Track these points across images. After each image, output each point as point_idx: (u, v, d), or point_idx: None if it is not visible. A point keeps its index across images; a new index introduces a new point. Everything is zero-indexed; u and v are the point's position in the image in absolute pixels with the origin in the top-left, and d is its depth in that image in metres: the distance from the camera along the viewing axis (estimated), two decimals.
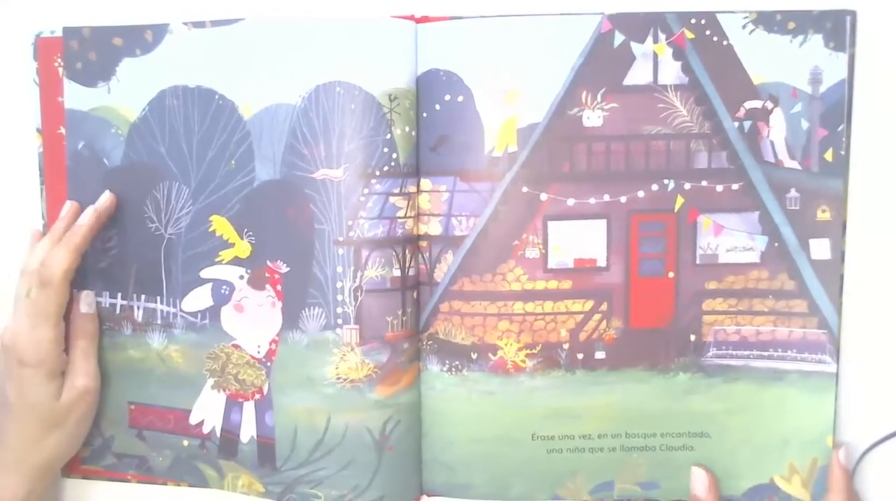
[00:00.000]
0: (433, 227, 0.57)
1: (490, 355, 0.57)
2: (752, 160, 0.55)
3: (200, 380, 0.60)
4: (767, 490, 0.58)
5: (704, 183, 0.56)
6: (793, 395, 0.56)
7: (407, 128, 0.56)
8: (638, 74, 0.55)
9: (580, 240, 0.56)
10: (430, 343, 0.58)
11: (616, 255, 0.56)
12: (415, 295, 0.58)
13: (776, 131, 0.55)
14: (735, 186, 0.55)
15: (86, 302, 0.60)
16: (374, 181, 0.55)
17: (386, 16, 0.55)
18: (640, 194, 0.56)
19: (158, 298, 0.60)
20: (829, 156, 0.55)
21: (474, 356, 0.57)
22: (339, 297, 0.56)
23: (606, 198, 0.56)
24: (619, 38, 0.55)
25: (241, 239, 0.58)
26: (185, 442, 0.61)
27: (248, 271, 0.59)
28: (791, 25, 0.54)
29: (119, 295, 0.61)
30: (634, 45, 0.55)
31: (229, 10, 0.57)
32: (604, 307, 0.57)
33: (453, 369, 0.58)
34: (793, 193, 0.55)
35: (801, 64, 0.54)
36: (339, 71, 0.55)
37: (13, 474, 0.56)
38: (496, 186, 0.56)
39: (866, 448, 0.57)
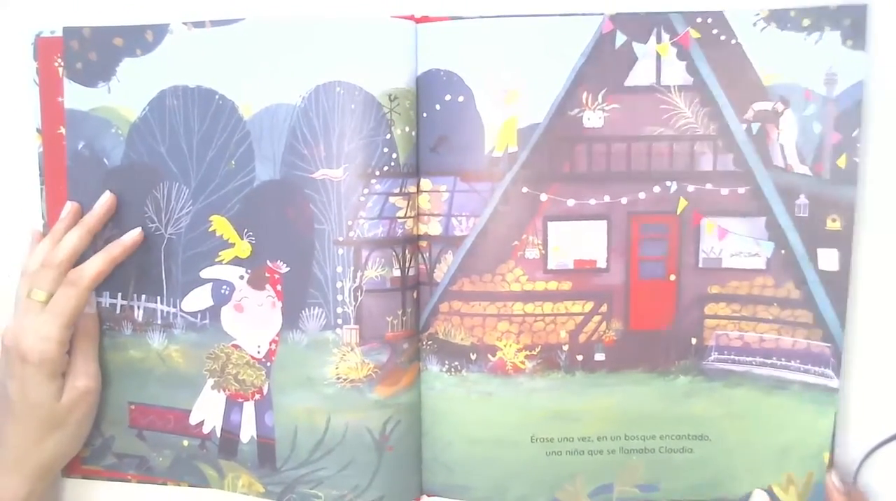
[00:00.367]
0: (433, 227, 0.57)
1: (489, 356, 0.57)
2: (759, 164, 0.54)
3: (200, 380, 0.61)
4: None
5: (709, 185, 0.55)
6: (793, 406, 0.56)
7: (407, 128, 0.56)
8: (640, 75, 0.54)
9: (580, 241, 0.56)
10: (429, 343, 0.58)
11: (616, 257, 0.56)
12: (415, 295, 0.58)
13: (786, 134, 0.54)
14: (741, 190, 0.54)
15: (88, 301, 0.59)
16: (374, 181, 0.55)
17: (386, 16, 0.55)
18: (642, 195, 0.55)
19: (158, 298, 0.61)
20: (841, 162, 0.53)
21: (473, 356, 0.57)
22: (340, 297, 0.56)
23: (607, 198, 0.55)
24: (620, 39, 0.54)
25: (241, 239, 0.58)
26: (186, 442, 0.62)
27: (248, 271, 0.59)
28: (806, 22, 0.52)
29: (119, 295, 0.61)
30: (637, 46, 0.54)
31: (229, 10, 0.57)
32: (603, 308, 0.56)
33: (453, 369, 0.58)
34: (802, 200, 0.54)
35: (815, 63, 0.52)
36: (340, 71, 0.55)
37: (14, 474, 0.57)
38: (496, 186, 0.56)
39: (867, 451, 0.57)
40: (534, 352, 0.57)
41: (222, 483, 0.62)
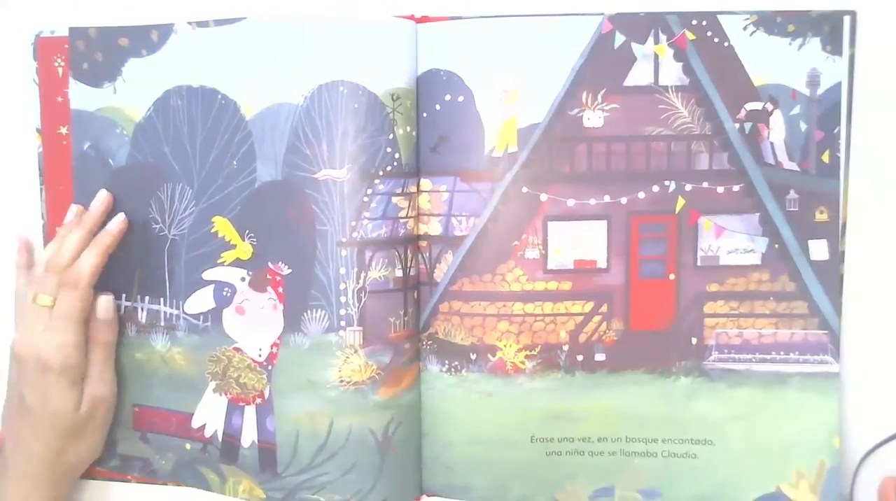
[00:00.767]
0: (433, 227, 0.57)
1: (489, 356, 0.57)
2: (752, 162, 0.55)
3: (202, 383, 0.60)
4: (773, 499, 0.57)
5: (705, 184, 0.56)
6: (796, 399, 0.56)
7: (408, 128, 0.56)
8: (639, 75, 0.55)
9: (580, 241, 0.57)
10: (429, 343, 0.58)
11: (616, 257, 0.56)
12: (415, 295, 0.58)
13: (776, 133, 0.55)
14: (736, 188, 0.56)
15: (104, 307, 0.59)
16: (377, 181, 0.55)
17: (388, 15, 0.56)
18: (641, 195, 0.56)
19: (162, 299, 0.61)
20: (825, 157, 0.55)
21: (473, 356, 0.57)
22: (343, 299, 0.56)
23: (607, 198, 0.56)
24: (619, 39, 0.55)
25: (243, 240, 0.58)
26: (188, 446, 0.61)
27: (250, 273, 0.58)
28: (791, 28, 0.54)
29: (123, 296, 0.61)
30: (635, 46, 0.55)
31: (233, 9, 0.58)
32: (604, 309, 0.57)
33: (453, 369, 0.58)
34: (792, 195, 0.55)
35: (799, 66, 0.55)
36: (342, 70, 0.55)
37: (35, 483, 0.56)
38: (496, 186, 0.56)
39: (867, 450, 0.57)
40: (534, 352, 0.57)
41: (223, 488, 0.61)
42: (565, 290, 0.57)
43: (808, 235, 0.55)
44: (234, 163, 0.58)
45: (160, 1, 0.60)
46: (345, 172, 0.55)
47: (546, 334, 0.57)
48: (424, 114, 0.57)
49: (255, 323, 0.59)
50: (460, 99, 0.56)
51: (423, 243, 0.58)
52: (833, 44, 0.54)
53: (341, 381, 0.56)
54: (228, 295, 0.59)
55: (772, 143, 0.55)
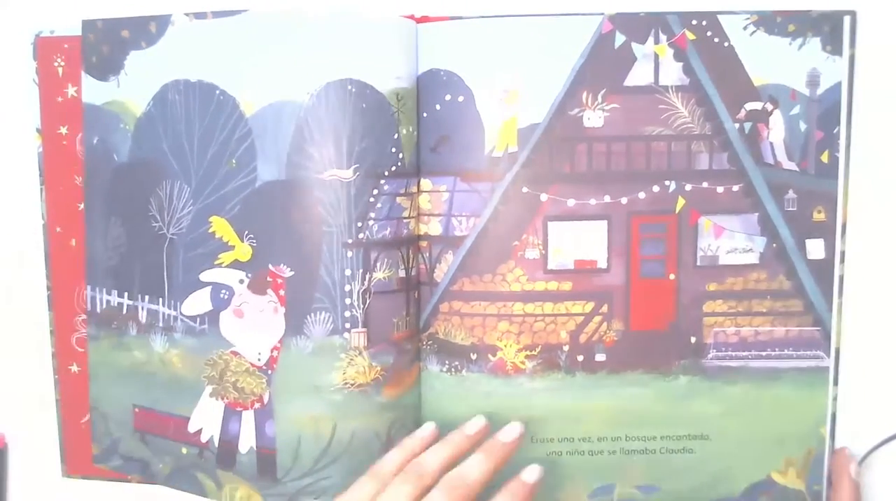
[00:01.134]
0: (433, 227, 0.58)
1: (490, 356, 0.58)
2: (751, 162, 0.56)
3: (199, 387, 0.60)
4: (763, 486, 0.59)
5: (705, 184, 0.56)
6: (789, 393, 0.57)
7: (410, 128, 0.56)
8: (639, 75, 0.56)
9: (580, 242, 0.57)
10: (429, 343, 0.59)
11: (616, 257, 0.57)
12: (416, 295, 0.58)
13: (775, 133, 0.56)
14: (735, 188, 0.56)
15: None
16: (382, 181, 0.56)
17: (394, 14, 0.56)
18: (641, 195, 0.56)
19: (161, 300, 0.60)
20: (824, 157, 0.56)
21: (474, 357, 0.58)
22: (348, 301, 0.56)
23: (607, 198, 0.56)
24: (619, 39, 0.55)
25: (242, 241, 0.58)
26: (185, 450, 0.61)
27: (249, 275, 0.58)
28: (791, 28, 0.55)
29: (126, 294, 0.61)
30: (635, 46, 0.55)
31: (233, 1, 0.57)
32: (604, 309, 0.57)
33: (453, 369, 0.58)
34: (790, 194, 0.56)
35: (799, 66, 0.55)
36: (348, 68, 0.54)
37: None
38: (496, 186, 0.57)
39: (867, 450, 0.58)
40: (534, 353, 0.58)
41: (220, 495, 0.61)
42: (566, 290, 0.57)
43: (805, 234, 0.56)
44: (234, 161, 0.57)
45: None
46: (352, 173, 0.55)
47: (546, 334, 0.58)
48: (425, 114, 0.57)
49: (254, 326, 0.58)
50: (460, 99, 0.56)
51: (424, 243, 0.58)
52: (833, 44, 0.55)
53: (345, 384, 0.56)
54: (226, 297, 0.59)
55: (771, 143, 0.56)
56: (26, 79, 0.62)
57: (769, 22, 0.55)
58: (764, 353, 0.57)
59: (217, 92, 0.57)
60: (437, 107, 0.56)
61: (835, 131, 0.56)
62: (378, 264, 0.56)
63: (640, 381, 0.58)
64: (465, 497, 0.48)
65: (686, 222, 0.57)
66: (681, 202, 0.56)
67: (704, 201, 0.56)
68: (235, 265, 0.58)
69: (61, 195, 0.62)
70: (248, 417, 0.59)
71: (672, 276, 0.57)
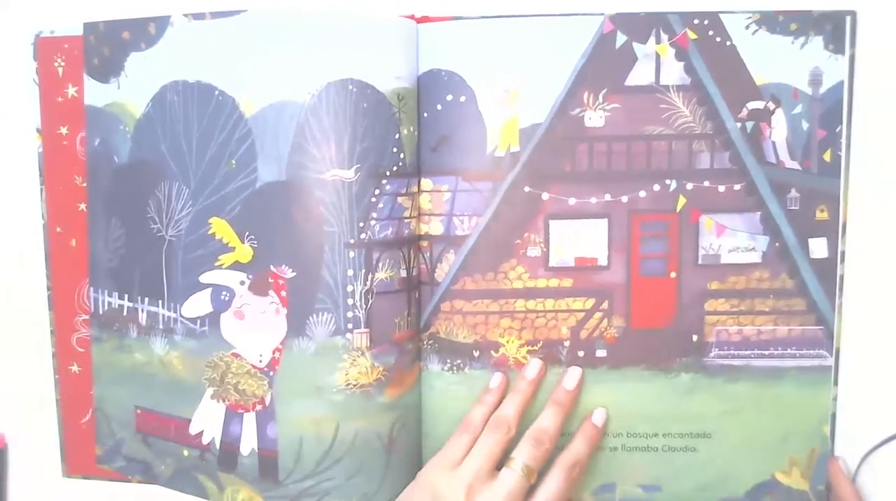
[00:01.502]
0: (434, 227, 0.58)
1: (492, 352, 0.59)
2: (753, 161, 0.56)
3: (200, 389, 0.60)
4: (768, 486, 0.59)
5: (707, 183, 0.57)
6: (791, 392, 0.58)
7: (411, 128, 0.57)
8: (640, 75, 0.56)
9: (581, 240, 0.58)
10: (430, 342, 0.59)
11: (617, 254, 0.58)
12: (417, 295, 0.59)
13: (778, 132, 0.56)
14: (737, 187, 0.57)
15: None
16: (384, 181, 0.56)
17: (394, 14, 0.56)
18: (642, 194, 0.57)
19: (160, 302, 0.61)
20: (827, 156, 0.56)
21: (476, 354, 0.59)
22: (350, 301, 0.56)
23: (608, 197, 0.57)
24: (621, 39, 0.56)
25: (243, 242, 0.58)
26: (186, 452, 0.62)
27: (250, 276, 0.58)
28: (793, 27, 0.55)
29: (126, 296, 0.62)
30: (637, 46, 0.56)
31: (231, 2, 0.57)
32: (605, 306, 0.58)
33: (455, 368, 0.59)
34: (793, 193, 0.57)
35: (801, 65, 0.56)
36: (349, 68, 0.55)
37: None
38: (498, 186, 0.57)
39: (868, 450, 0.59)
40: (535, 348, 0.58)
41: (221, 497, 0.61)
42: (566, 287, 0.58)
43: (808, 233, 0.57)
44: (233, 162, 0.57)
45: None
46: (353, 173, 0.55)
47: (548, 330, 0.58)
48: (425, 114, 0.57)
49: (255, 327, 0.58)
50: (462, 99, 0.57)
51: (424, 243, 0.59)
52: (835, 42, 0.55)
53: (348, 385, 0.56)
54: (227, 299, 0.59)
55: (773, 142, 0.56)
56: (26, 79, 0.62)
57: (771, 21, 0.55)
58: (766, 352, 0.58)
59: (216, 92, 0.57)
60: (438, 107, 0.57)
61: (837, 130, 0.56)
62: (380, 264, 0.56)
63: (640, 377, 0.58)
64: (550, 445, 0.55)
65: (687, 221, 0.57)
66: (682, 201, 0.57)
67: (706, 200, 0.57)
68: (236, 266, 0.58)
69: (61, 195, 0.63)
70: (249, 419, 0.59)
71: (673, 274, 0.58)
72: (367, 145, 0.55)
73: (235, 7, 0.56)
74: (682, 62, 0.56)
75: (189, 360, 0.60)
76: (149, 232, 0.60)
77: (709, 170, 0.57)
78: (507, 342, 0.58)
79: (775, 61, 0.56)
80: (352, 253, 0.56)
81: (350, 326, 0.56)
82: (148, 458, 0.63)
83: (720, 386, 0.58)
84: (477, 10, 0.57)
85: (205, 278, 0.59)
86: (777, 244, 0.57)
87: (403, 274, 0.58)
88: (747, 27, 0.55)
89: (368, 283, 0.56)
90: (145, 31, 0.59)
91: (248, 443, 0.59)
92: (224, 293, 0.59)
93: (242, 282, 0.58)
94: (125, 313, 0.62)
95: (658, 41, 0.56)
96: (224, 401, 0.60)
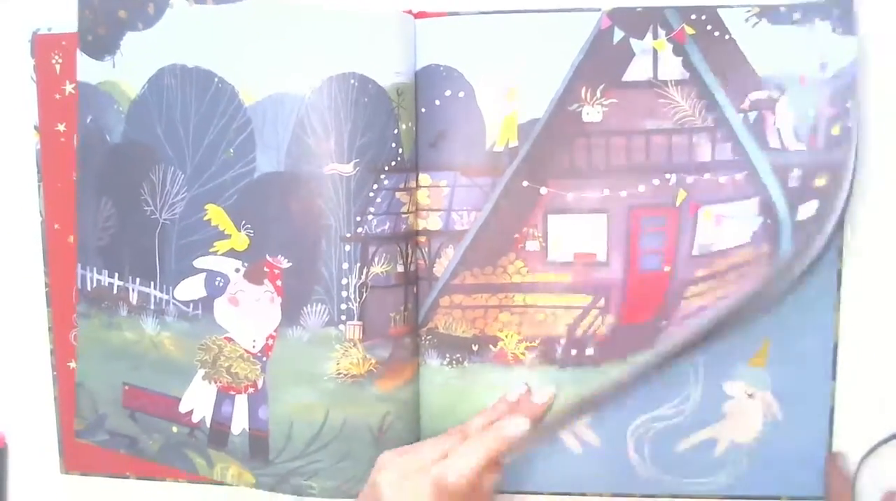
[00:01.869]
0: (432, 222, 0.59)
1: (491, 347, 0.59)
2: (756, 149, 0.56)
3: (191, 370, 0.61)
4: None
5: (707, 175, 0.57)
6: None
7: (410, 124, 0.57)
8: (637, 70, 0.57)
9: (580, 235, 0.58)
10: (429, 337, 0.60)
11: (615, 250, 0.58)
12: (415, 290, 0.59)
13: (783, 118, 0.56)
14: (738, 176, 0.56)
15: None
16: (382, 176, 0.56)
17: (393, 9, 0.56)
18: (641, 188, 0.57)
19: (152, 283, 0.61)
20: (835, 130, 0.55)
21: (475, 348, 0.59)
22: (344, 294, 0.57)
23: (606, 192, 0.58)
24: (618, 35, 0.56)
25: (239, 231, 0.59)
26: (175, 429, 0.63)
27: (245, 264, 0.59)
28: (796, 16, 0.55)
29: (116, 275, 0.62)
30: (634, 42, 0.56)
31: None
32: (601, 303, 0.58)
33: (454, 362, 0.60)
34: (795, 173, 0.56)
35: (809, 51, 0.55)
36: (350, 62, 0.55)
37: None
38: (497, 181, 0.58)
39: (868, 450, 0.59)
40: (534, 344, 0.59)
41: (211, 472, 0.63)
42: (565, 282, 0.58)
43: (800, 201, 0.55)
44: (231, 150, 0.58)
45: None
46: (352, 167, 0.56)
47: (546, 326, 0.59)
48: (423, 110, 0.58)
49: (249, 314, 0.59)
50: (461, 94, 0.57)
51: (423, 238, 0.59)
52: (844, 25, 0.54)
53: (339, 374, 0.57)
54: (221, 285, 0.59)
55: (778, 129, 0.56)
56: (24, 76, 0.62)
57: (772, 13, 0.55)
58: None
59: (215, 79, 0.58)
60: (437, 102, 0.58)
61: (847, 105, 0.54)
62: (376, 258, 0.57)
63: (604, 372, 0.59)
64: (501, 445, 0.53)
65: (687, 214, 0.57)
66: (682, 195, 0.57)
67: (706, 192, 0.57)
68: (231, 253, 0.59)
69: (59, 192, 0.63)
70: (241, 400, 0.61)
71: (667, 268, 0.58)
72: (366, 140, 0.56)
73: None
74: (679, 57, 0.56)
75: (181, 341, 0.61)
76: (142, 213, 0.60)
77: (710, 162, 0.56)
78: (506, 337, 0.59)
79: (779, 51, 0.55)
80: (347, 247, 0.57)
81: (343, 318, 0.57)
82: (134, 433, 0.64)
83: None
84: (475, 5, 0.57)
85: (199, 263, 0.60)
86: (769, 221, 0.56)
87: (400, 269, 0.58)
88: (747, 20, 0.55)
89: (363, 277, 0.57)
90: (143, 12, 0.59)
91: (240, 423, 0.61)
92: (218, 279, 0.60)
93: (237, 270, 0.59)
94: (115, 291, 0.62)
95: (655, 37, 0.56)
96: (216, 383, 0.61)
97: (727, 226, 0.57)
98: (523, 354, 0.59)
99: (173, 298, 0.61)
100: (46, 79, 0.62)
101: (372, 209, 0.56)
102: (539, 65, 0.57)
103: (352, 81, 0.55)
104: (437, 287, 0.59)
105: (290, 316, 0.58)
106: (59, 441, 0.66)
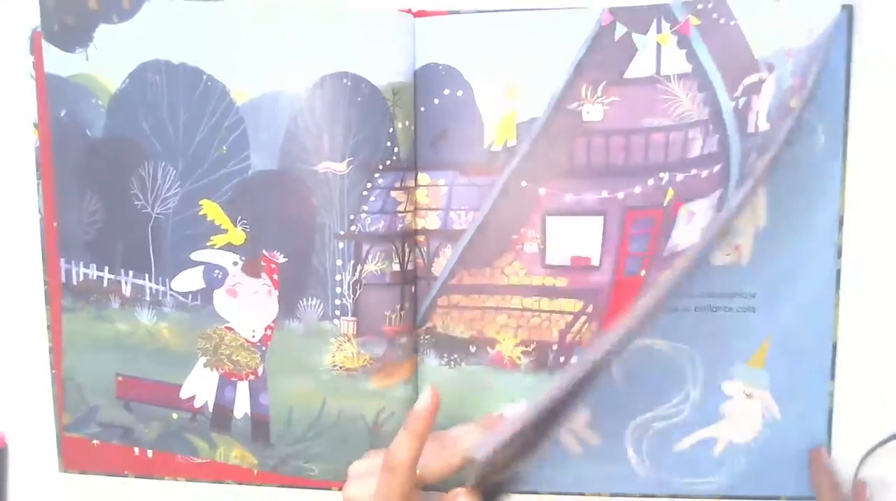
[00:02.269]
0: (431, 222, 0.59)
1: (488, 349, 0.60)
2: (737, 137, 0.55)
3: (192, 358, 0.63)
4: None
5: (694, 171, 0.56)
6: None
7: (407, 123, 0.57)
8: (640, 66, 0.56)
9: (577, 238, 0.58)
10: (428, 337, 0.61)
11: (608, 254, 0.58)
12: (412, 289, 0.60)
13: (764, 100, 0.55)
14: (716, 169, 0.56)
15: None
16: (376, 175, 0.57)
17: (391, 7, 0.56)
18: (637, 190, 0.57)
19: (147, 275, 0.62)
20: (793, 102, 0.53)
21: (473, 349, 0.60)
22: (338, 290, 0.58)
23: (604, 194, 0.57)
24: (620, 31, 0.56)
25: (235, 226, 0.59)
26: (175, 415, 0.64)
27: (243, 258, 0.60)
28: None
29: (106, 268, 0.63)
30: (636, 37, 0.56)
31: None
32: (590, 309, 0.58)
33: (452, 362, 0.60)
34: (752, 157, 0.54)
35: (799, 18, 0.54)
36: (344, 62, 0.55)
37: None
38: (496, 180, 0.58)
39: (868, 450, 0.59)
40: (529, 349, 0.59)
41: (213, 454, 0.64)
42: (560, 287, 0.59)
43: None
44: (224, 148, 0.58)
45: None
46: (345, 166, 0.56)
47: (541, 331, 0.59)
48: (422, 109, 0.58)
49: (248, 306, 0.61)
50: (459, 93, 0.57)
51: (421, 238, 0.60)
52: None
53: (334, 366, 0.59)
54: (220, 277, 0.61)
55: (757, 112, 0.55)
56: (23, 73, 0.62)
57: None
58: None
59: (204, 77, 0.58)
60: (436, 101, 0.57)
61: (813, 68, 0.52)
62: (370, 257, 0.58)
63: None
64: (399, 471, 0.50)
65: (670, 214, 0.57)
66: (670, 194, 0.57)
67: (689, 189, 0.56)
68: (229, 247, 0.60)
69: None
70: (242, 386, 0.62)
71: (643, 273, 0.57)
72: (359, 139, 0.56)
73: None
74: (684, 49, 0.55)
75: (180, 331, 0.62)
76: (132, 208, 0.61)
77: (697, 157, 0.56)
78: (503, 340, 0.59)
79: (776, 28, 0.54)
80: (341, 244, 0.57)
81: (338, 313, 0.58)
82: (128, 423, 0.65)
83: None
84: (474, 3, 0.56)
85: (197, 256, 0.61)
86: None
87: (396, 267, 0.59)
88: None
89: (357, 274, 0.58)
90: (118, 4, 0.58)
91: (242, 408, 0.63)
92: (217, 271, 0.61)
93: (235, 263, 0.60)
94: (105, 284, 0.63)
95: (659, 30, 0.55)
96: (218, 370, 0.62)
97: (696, 224, 0.56)
98: (519, 358, 0.59)
99: (171, 289, 0.61)
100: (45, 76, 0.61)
101: (365, 207, 0.57)
102: (539, 63, 0.56)
103: (345, 81, 0.55)
104: (435, 286, 0.60)
105: (287, 308, 0.60)
106: (58, 440, 0.67)
